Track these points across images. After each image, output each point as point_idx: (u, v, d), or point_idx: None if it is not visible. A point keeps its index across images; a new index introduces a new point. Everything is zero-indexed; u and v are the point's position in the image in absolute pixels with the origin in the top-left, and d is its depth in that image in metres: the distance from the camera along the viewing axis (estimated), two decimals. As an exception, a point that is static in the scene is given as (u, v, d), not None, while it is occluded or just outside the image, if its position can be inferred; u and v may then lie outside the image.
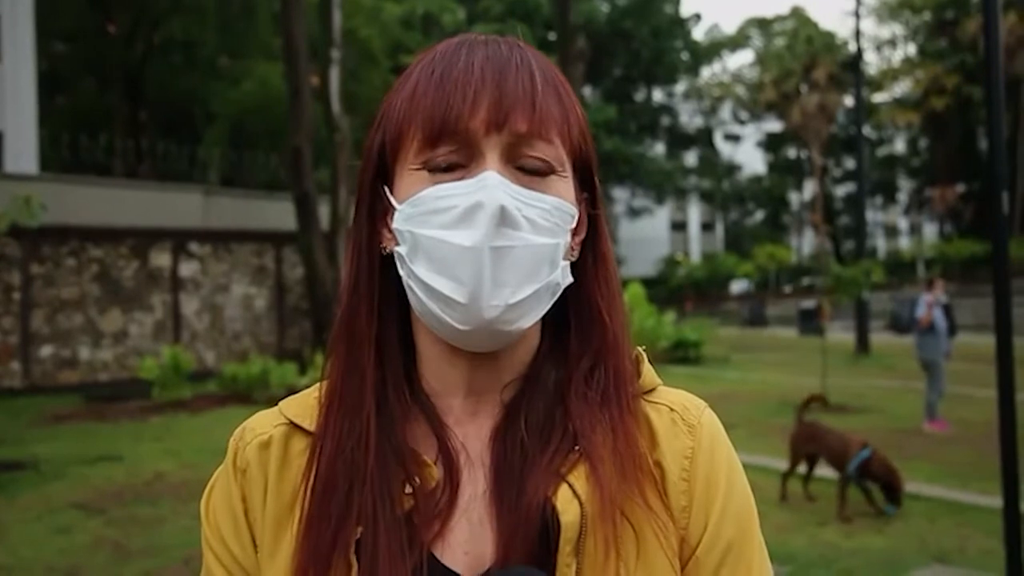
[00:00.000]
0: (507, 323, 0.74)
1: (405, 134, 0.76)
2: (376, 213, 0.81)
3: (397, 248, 0.77)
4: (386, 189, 0.79)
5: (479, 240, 0.71)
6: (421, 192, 0.75)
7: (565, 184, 0.78)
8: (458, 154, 0.74)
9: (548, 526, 0.72)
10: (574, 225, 0.79)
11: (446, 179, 0.74)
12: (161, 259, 15.59)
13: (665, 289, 37.88)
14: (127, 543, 5.69)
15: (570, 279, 0.79)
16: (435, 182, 0.74)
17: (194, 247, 16.00)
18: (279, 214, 17.05)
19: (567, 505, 0.72)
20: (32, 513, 6.46)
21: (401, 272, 0.78)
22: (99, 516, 6.35)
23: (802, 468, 6.54)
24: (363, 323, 0.79)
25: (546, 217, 0.75)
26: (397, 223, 0.77)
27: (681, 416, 0.81)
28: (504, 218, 0.72)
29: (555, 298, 0.78)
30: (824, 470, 6.51)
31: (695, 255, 51.64)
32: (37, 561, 5.37)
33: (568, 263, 0.79)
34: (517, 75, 0.75)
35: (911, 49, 47.28)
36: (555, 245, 0.75)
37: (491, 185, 0.72)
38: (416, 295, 0.76)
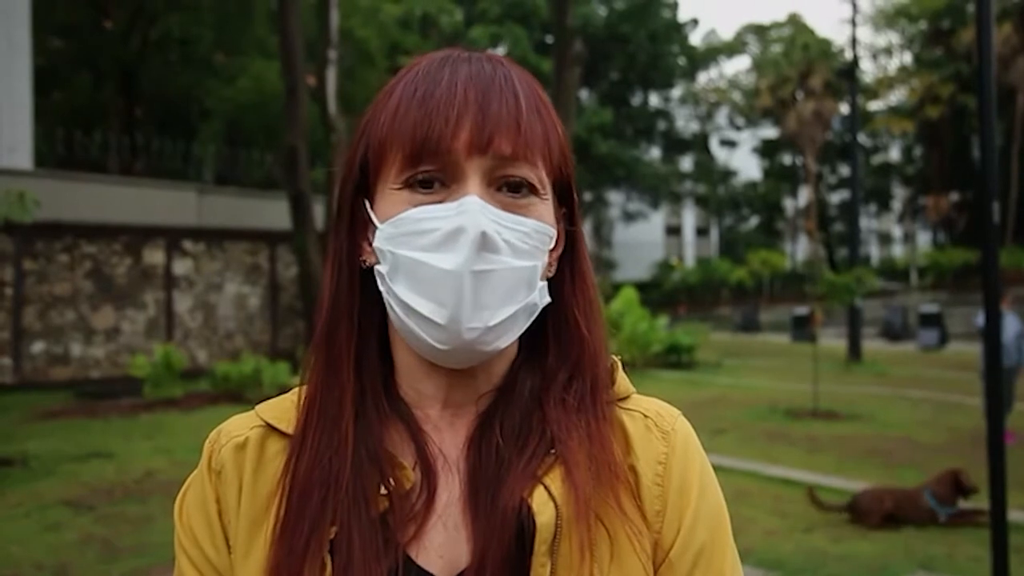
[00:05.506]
0: (485, 344, 0.75)
1: (387, 152, 0.76)
2: (356, 226, 0.81)
3: (378, 267, 0.78)
4: (367, 204, 0.80)
5: (460, 264, 0.72)
6: (403, 213, 0.75)
7: (545, 205, 0.78)
8: (439, 173, 0.75)
9: (524, 528, 0.73)
10: (552, 245, 0.80)
11: (426, 200, 0.75)
12: (154, 257, 15.55)
13: (659, 293, 37.88)
14: (116, 541, 5.68)
15: (548, 300, 0.79)
16: (415, 203, 0.75)
17: (188, 245, 15.97)
18: (274, 213, 17.02)
19: (543, 507, 0.73)
20: (21, 510, 6.45)
21: (381, 288, 0.78)
22: (89, 513, 6.34)
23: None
24: (343, 337, 0.80)
25: (525, 240, 0.75)
26: (378, 242, 0.77)
27: (655, 423, 0.82)
28: (485, 243, 0.72)
29: (532, 318, 0.78)
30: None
31: (689, 260, 51.70)
32: (26, 558, 5.35)
33: (545, 283, 0.79)
34: (501, 96, 0.75)
35: (907, 58, 47.42)
36: (533, 267, 0.76)
37: (472, 210, 0.72)
38: (396, 312, 0.77)
